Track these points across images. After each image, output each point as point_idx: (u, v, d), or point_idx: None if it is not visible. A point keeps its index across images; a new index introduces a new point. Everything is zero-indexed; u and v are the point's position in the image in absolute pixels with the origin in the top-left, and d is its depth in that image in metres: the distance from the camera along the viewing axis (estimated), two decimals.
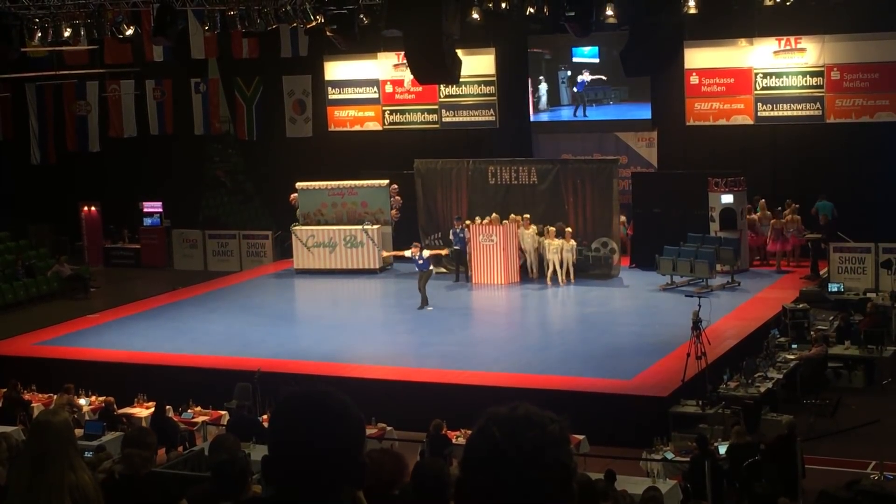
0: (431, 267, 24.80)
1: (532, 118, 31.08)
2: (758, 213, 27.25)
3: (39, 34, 24.18)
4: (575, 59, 30.25)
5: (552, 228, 25.86)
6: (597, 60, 29.84)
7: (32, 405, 18.54)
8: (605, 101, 30.37)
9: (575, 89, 30.41)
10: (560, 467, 2.50)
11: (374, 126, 32.40)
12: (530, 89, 30.85)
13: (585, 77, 30.19)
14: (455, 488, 2.59)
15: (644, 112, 29.84)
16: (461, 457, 2.61)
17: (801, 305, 22.38)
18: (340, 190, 29.09)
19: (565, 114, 30.80)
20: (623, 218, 27.33)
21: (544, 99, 30.90)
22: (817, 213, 26.72)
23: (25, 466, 4.60)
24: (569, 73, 30.42)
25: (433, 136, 31.48)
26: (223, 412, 18.38)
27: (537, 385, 18.51)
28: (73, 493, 4.52)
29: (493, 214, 26.71)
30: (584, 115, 30.50)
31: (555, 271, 25.73)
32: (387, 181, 28.80)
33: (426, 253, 24.87)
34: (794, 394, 19.27)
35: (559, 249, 25.66)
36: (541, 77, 30.82)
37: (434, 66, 17.01)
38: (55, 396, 18.97)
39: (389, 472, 4.84)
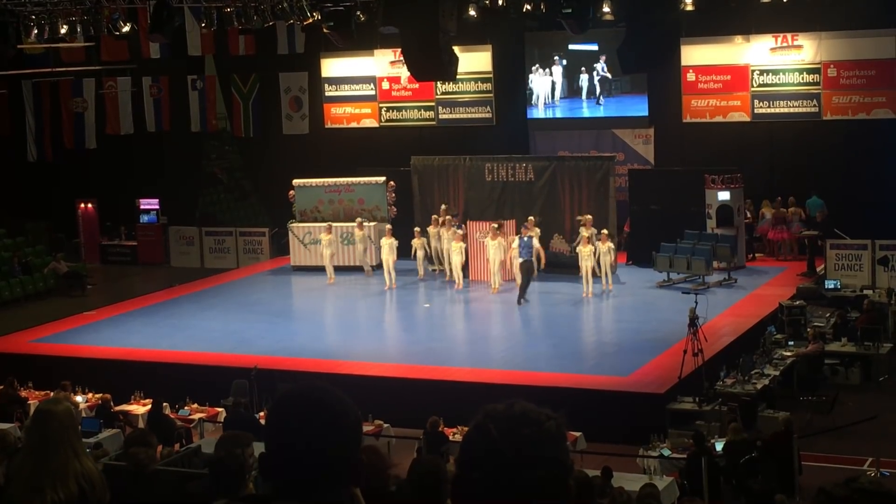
0: (533, 259, 24.36)
1: (538, 114, 30.89)
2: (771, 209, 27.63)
3: (36, 31, 24.13)
4: (572, 47, 29.91)
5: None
6: (595, 48, 29.69)
7: (29, 402, 18.53)
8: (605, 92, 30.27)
9: (597, 77, 30.14)
10: (557, 464, 2.50)
11: (370, 123, 32.40)
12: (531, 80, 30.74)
13: (602, 65, 29.97)
14: (452, 486, 2.58)
15: (641, 108, 29.83)
16: (458, 454, 2.60)
17: (797, 302, 22.37)
18: (337, 187, 29.09)
19: (566, 107, 30.66)
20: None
21: (557, 91, 30.58)
22: (810, 209, 26.95)
23: (29, 455, 4.59)
24: (564, 61, 30.32)
25: (430, 133, 31.49)
26: (220, 409, 18.36)
27: (534, 382, 18.52)
28: (79, 480, 4.51)
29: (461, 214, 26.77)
30: (599, 104, 30.29)
31: (597, 276, 24.78)
32: (383, 178, 28.80)
33: (535, 243, 24.38)
34: (791, 391, 19.27)
35: (590, 255, 24.62)
36: (562, 60, 30.35)
37: (431, 63, 17.00)
38: (52, 394, 18.95)
39: (370, 467, 4.83)
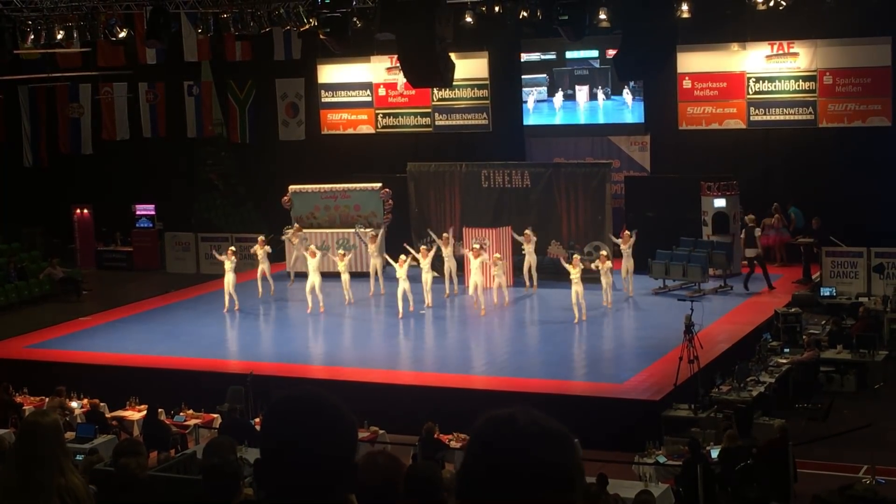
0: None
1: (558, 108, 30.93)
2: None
3: (32, 36, 24.13)
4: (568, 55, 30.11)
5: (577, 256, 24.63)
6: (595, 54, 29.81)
7: (24, 408, 18.49)
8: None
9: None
10: (562, 471, 2.49)
11: (367, 129, 32.41)
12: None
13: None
14: (455, 493, 2.57)
15: (637, 116, 29.87)
16: (462, 460, 2.59)
17: (793, 310, 22.40)
18: (333, 193, 29.07)
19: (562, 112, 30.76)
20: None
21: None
22: (796, 218, 27.05)
23: (13, 468, 4.57)
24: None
25: (426, 140, 31.51)
26: (215, 415, 18.35)
27: (530, 388, 18.53)
28: (63, 496, 4.49)
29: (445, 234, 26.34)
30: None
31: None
32: (379, 184, 28.79)
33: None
34: (787, 398, 19.30)
35: (578, 279, 23.70)
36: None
37: (427, 70, 17.00)
38: (47, 399, 18.94)
39: (386, 475, 4.82)
